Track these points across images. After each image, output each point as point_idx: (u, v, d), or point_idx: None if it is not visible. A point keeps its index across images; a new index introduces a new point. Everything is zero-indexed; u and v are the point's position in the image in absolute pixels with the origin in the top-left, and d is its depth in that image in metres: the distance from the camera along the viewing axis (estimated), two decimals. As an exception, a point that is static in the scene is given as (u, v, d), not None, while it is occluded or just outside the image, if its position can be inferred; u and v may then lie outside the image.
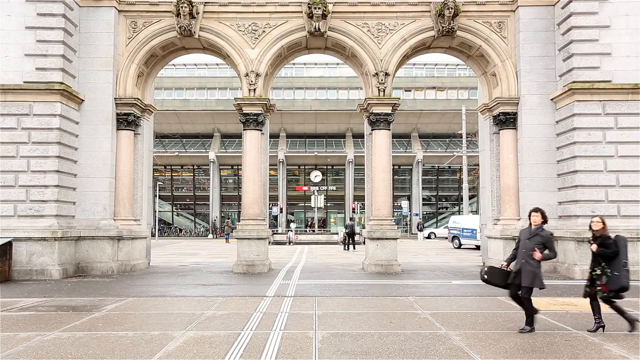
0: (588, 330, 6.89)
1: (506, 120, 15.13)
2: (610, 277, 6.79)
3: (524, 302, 6.91)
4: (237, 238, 15.02)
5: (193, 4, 14.70)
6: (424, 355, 5.85)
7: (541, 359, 5.75)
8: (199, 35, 15.14)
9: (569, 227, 13.45)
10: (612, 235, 6.94)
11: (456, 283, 12.06)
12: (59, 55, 13.66)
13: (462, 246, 28.60)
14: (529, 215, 7.12)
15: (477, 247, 24.94)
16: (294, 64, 44.81)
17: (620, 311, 6.90)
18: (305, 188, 50.14)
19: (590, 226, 7.05)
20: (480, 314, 8.21)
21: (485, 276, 7.18)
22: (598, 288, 6.88)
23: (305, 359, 5.74)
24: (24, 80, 13.49)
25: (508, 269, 7.11)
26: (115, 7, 14.82)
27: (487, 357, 5.77)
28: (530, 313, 6.89)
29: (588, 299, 7.02)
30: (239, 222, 15.49)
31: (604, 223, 6.97)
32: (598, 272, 6.90)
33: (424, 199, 49.48)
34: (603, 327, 6.89)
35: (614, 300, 6.88)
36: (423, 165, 48.44)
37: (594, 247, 6.89)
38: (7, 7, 13.64)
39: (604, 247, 6.83)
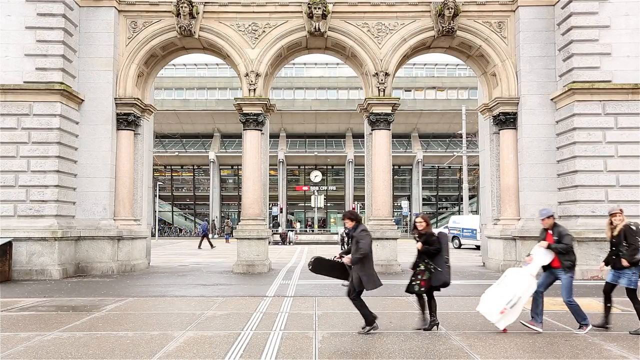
0: (424, 329, 6.94)
1: (506, 120, 15.12)
2: (434, 273, 6.92)
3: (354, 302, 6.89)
4: (237, 238, 15.03)
5: (193, 4, 14.69)
6: (424, 355, 5.85)
7: (541, 359, 5.75)
8: (199, 35, 15.14)
9: (569, 227, 13.40)
10: (436, 232, 7.09)
11: (456, 283, 12.05)
12: (59, 55, 13.66)
13: (462, 246, 28.60)
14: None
15: (477, 247, 24.94)
16: (294, 64, 44.79)
17: (422, 307, 7.00)
18: (305, 188, 50.14)
19: (414, 225, 7.17)
20: (480, 313, 8.21)
21: (311, 267, 7.24)
22: (416, 282, 6.94)
23: (305, 359, 5.74)
24: (24, 80, 13.48)
25: (339, 260, 7.13)
26: (115, 7, 14.82)
27: (487, 357, 5.77)
28: (362, 313, 6.86)
29: (425, 296, 7.07)
30: (239, 222, 15.49)
31: (427, 222, 7.09)
32: (422, 267, 6.99)
33: (424, 199, 49.46)
34: (437, 324, 6.98)
35: (433, 296, 7.02)
36: (423, 165, 48.43)
37: (419, 245, 7.00)
38: (7, 7, 13.64)
39: (429, 245, 6.93)
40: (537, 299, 7.02)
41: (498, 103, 15.16)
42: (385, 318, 7.91)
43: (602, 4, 13.75)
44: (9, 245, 12.82)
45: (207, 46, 15.88)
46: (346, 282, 7.08)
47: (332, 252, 27.47)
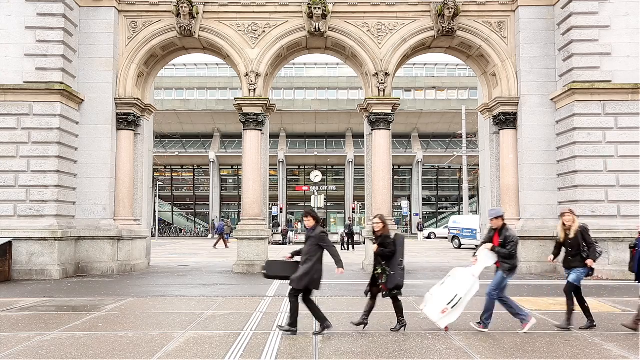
0: (391, 329, 6.93)
1: (506, 120, 15.12)
2: (389, 275, 6.85)
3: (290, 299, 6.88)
4: (237, 238, 15.03)
5: (193, 4, 14.69)
6: (424, 355, 5.85)
7: (541, 359, 5.75)
8: (199, 35, 15.14)
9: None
10: (392, 235, 7.03)
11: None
12: (59, 55, 13.66)
13: (462, 246, 28.59)
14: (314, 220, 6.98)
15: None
16: (294, 64, 44.79)
17: (399, 310, 6.95)
18: (305, 188, 50.13)
19: (373, 228, 7.09)
20: (480, 314, 8.20)
21: (265, 272, 7.16)
22: (380, 287, 6.92)
23: (305, 359, 5.74)
24: (24, 80, 13.48)
25: (293, 260, 7.05)
26: (115, 7, 14.82)
27: (487, 357, 5.77)
28: (292, 313, 6.83)
29: (384, 297, 7.04)
30: (238, 222, 15.49)
31: (384, 223, 7.01)
32: (379, 271, 6.94)
33: (424, 199, 49.46)
34: (365, 324, 6.94)
35: (397, 298, 6.98)
36: (423, 165, 48.42)
37: (375, 247, 6.94)
38: (7, 7, 13.63)
39: (384, 247, 6.87)
40: (490, 302, 7.03)
41: (498, 103, 15.16)
42: (385, 318, 7.90)
43: (602, 4, 13.75)
44: (9, 245, 12.81)
45: (207, 46, 15.87)
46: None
47: (332, 252, 26.88)
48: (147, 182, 16.43)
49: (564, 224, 7.30)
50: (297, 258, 7.00)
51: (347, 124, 49.31)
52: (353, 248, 26.31)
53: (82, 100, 14.52)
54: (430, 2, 15.01)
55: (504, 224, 7.13)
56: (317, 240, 6.78)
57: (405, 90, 48.39)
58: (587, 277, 7.22)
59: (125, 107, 14.96)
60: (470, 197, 44.67)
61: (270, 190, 17.36)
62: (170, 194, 51.11)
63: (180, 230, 50.45)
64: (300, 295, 6.81)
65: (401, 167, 50.10)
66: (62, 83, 13.57)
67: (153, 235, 37.14)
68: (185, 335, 6.77)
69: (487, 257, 7.04)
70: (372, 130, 15.47)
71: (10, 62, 13.52)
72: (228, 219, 46.64)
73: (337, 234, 37.47)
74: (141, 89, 15.92)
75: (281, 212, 46.19)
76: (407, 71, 47.88)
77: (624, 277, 12.49)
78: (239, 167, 44.63)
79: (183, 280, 13.04)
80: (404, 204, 46.61)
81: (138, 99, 15.30)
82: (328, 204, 50.69)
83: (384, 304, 9.01)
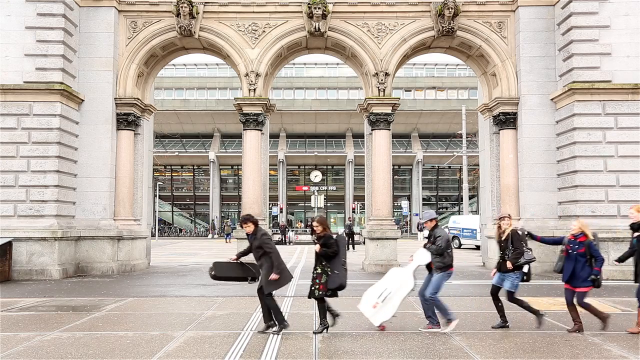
0: (314, 332, 6.89)
1: (506, 120, 15.12)
2: (331, 275, 6.85)
3: (265, 300, 6.92)
4: (237, 238, 15.02)
5: (193, 4, 14.69)
6: (424, 355, 5.85)
7: (541, 359, 5.75)
8: (199, 35, 15.14)
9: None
10: (334, 235, 7.06)
11: (456, 283, 12.05)
12: (59, 55, 13.66)
13: (462, 246, 28.58)
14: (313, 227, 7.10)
15: (477, 247, 24.93)
16: (294, 64, 44.75)
17: (323, 310, 6.92)
18: (305, 188, 50.12)
19: (313, 230, 7.10)
20: (480, 314, 8.21)
21: (213, 272, 7.18)
22: (315, 287, 6.86)
23: (305, 359, 5.74)
24: (24, 80, 13.48)
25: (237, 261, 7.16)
26: (115, 7, 14.82)
27: (487, 357, 5.77)
28: (274, 312, 6.90)
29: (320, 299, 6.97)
30: (239, 222, 15.48)
31: (323, 225, 7.02)
32: (319, 270, 6.92)
33: (424, 199, 49.43)
34: (327, 327, 6.90)
35: (325, 299, 6.95)
36: (423, 165, 48.40)
37: (317, 247, 6.93)
38: (7, 7, 13.63)
39: (327, 247, 6.87)
40: (439, 304, 7.03)
41: (498, 103, 15.16)
42: (385, 318, 7.91)
43: (602, 4, 13.75)
44: (9, 245, 12.81)
45: (207, 46, 15.87)
46: (252, 281, 7.12)
47: (332, 252, 26.80)
48: (147, 182, 16.43)
49: (499, 227, 7.44)
50: (244, 259, 7.13)
51: (347, 124, 49.29)
52: (353, 248, 26.31)
53: (82, 100, 14.52)
54: (430, 2, 15.01)
55: (436, 225, 7.25)
56: (261, 244, 6.83)
57: (405, 90, 48.37)
58: (522, 281, 7.29)
59: (125, 107, 14.96)
60: (470, 197, 44.66)
61: (270, 190, 17.36)
62: (170, 194, 51.09)
63: (180, 230, 50.44)
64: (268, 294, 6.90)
65: (401, 167, 50.09)
66: (62, 83, 13.57)
67: (153, 235, 37.15)
68: (185, 335, 6.77)
69: (422, 256, 7.13)
70: (372, 130, 15.48)
71: (10, 62, 13.52)
72: (228, 218, 46.66)
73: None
74: (141, 89, 15.92)
75: (281, 212, 46.18)
76: (407, 71, 47.86)
77: (624, 277, 12.49)
78: (239, 167, 44.61)
79: (183, 280, 13.03)
80: (404, 204, 46.60)
81: (138, 99, 15.29)
82: (328, 204, 50.68)
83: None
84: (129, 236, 14.68)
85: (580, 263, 6.93)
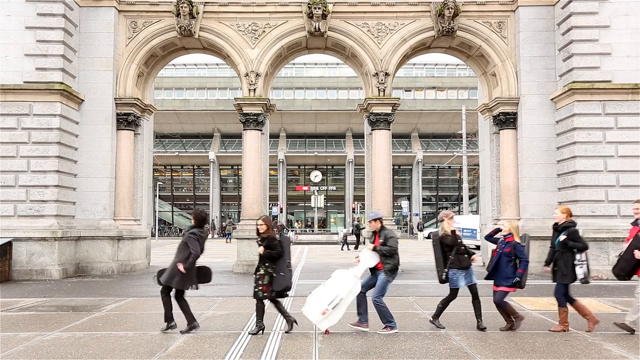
0: (286, 331, 6.91)
1: (506, 120, 15.12)
2: (276, 277, 6.79)
3: (177, 301, 7.01)
4: (237, 238, 15.03)
5: (193, 4, 14.69)
6: (424, 355, 5.85)
7: (541, 359, 5.75)
8: (199, 35, 15.14)
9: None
10: (278, 236, 7.02)
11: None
12: (59, 55, 13.66)
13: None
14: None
15: (477, 247, 24.89)
16: (294, 64, 44.77)
17: (261, 312, 6.89)
18: (305, 188, 50.14)
19: (257, 229, 7.05)
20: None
21: (157, 279, 7.20)
22: (258, 288, 6.82)
23: (305, 359, 5.74)
24: (24, 80, 13.48)
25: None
26: (115, 7, 14.82)
27: (487, 357, 5.77)
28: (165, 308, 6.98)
29: (269, 301, 6.96)
30: (238, 222, 15.48)
31: (268, 225, 6.96)
32: (261, 272, 6.86)
33: (424, 199, 49.44)
34: (263, 329, 6.85)
35: (277, 300, 6.96)
36: (423, 165, 48.41)
37: (261, 249, 6.88)
38: (7, 7, 13.63)
39: (271, 249, 6.82)
40: (360, 299, 7.00)
41: (498, 103, 15.16)
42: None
43: (602, 4, 13.74)
44: (9, 245, 12.81)
45: (207, 46, 15.87)
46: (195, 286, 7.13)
47: (331, 252, 27.20)
48: (147, 182, 16.43)
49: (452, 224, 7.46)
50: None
51: (347, 124, 49.31)
52: (356, 248, 26.28)
53: (82, 100, 14.52)
54: (430, 2, 15.01)
55: (382, 226, 7.20)
56: (185, 240, 7.03)
57: (405, 90, 48.38)
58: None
59: (125, 107, 14.96)
60: (470, 197, 44.66)
61: (270, 190, 17.36)
62: (170, 194, 51.11)
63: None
64: (173, 293, 7.01)
65: (401, 167, 50.09)
66: (62, 83, 13.57)
67: (153, 235, 37.18)
68: (185, 335, 6.77)
69: (369, 258, 7.05)
70: (372, 130, 15.47)
71: (10, 62, 13.52)
72: (230, 218, 46.60)
73: (337, 234, 37.46)
74: (141, 89, 15.92)
75: (281, 212, 46.20)
76: (407, 71, 47.87)
77: (624, 277, 12.48)
78: (239, 167, 44.61)
79: (183, 280, 13.00)
80: (404, 204, 46.60)
81: (138, 99, 15.29)
82: (328, 204, 50.71)
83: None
84: (129, 236, 14.68)
85: (503, 262, 6.99)
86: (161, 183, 47.20)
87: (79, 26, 14.59)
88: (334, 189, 50.90)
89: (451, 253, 7.13)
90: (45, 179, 13.31)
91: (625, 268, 6.93)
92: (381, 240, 7.01)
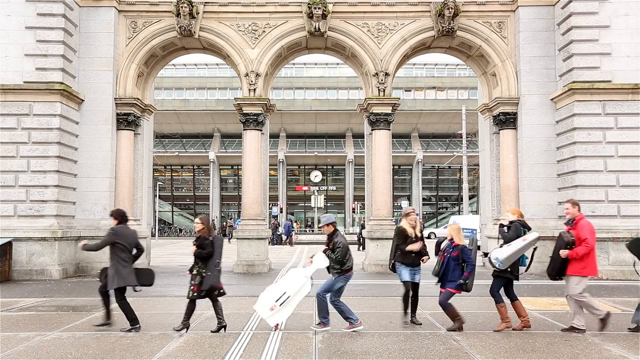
0: (212, 331, 6.96)
1: (506, 120, 15.12)
2: (205, 277, 6.86)
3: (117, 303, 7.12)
4: (237, 238, 15.04)
5: (193, 4, 14.69)
6: (424, 355, 5.85)
7: (541, 359, 5.75)
8: (199, 35, 15.14)
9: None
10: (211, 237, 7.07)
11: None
12: (59, 55, 13.66)
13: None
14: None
15: (477, 247, 24.87)
16: (294, 64, 44.75)
17: (189, 311, 6.97)
18: (305, 188, 50.12)
19: (195, 227, 7.15)
20: (480, 314, 8.22)
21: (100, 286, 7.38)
22: (190, 289, 6.90)
23: (305, 359, 5.74)
24: (24, 80, 13.48)
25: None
26: (115, 7, 14.82)
27: (487, 357, 5.78)
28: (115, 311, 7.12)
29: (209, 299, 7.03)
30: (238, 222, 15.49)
31: (204, 224, 7.03)
32: (194, 272, 6.95)
33: (424, 199, 49.42)
34: (225, 327, 6.96)
35: (216, 300, 7.01)
36: (423, 165, 48.40)
37: (193, 248, 6.96)
38: (7, 7, 13.63)
39: (202, 248, 6.87)
40: (322, 302, 7.06)
41: (498, 103, 15.16)
42: (385, 318, 7.92)
43: (602, 4, 13.74)
44: (9, 245, 12.82)
45: (207, 46, 15.87)
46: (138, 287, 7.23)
47: (332, 252, 26.67)
48: (147, 182, 16.42)
49: (409, 222, 7.60)
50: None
51: (347, 124, 49.30)
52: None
53: (82, 100, 14.52)
54: (430, 2, 15.01)
55: (335, 230, 7.21)
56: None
57: (405, 90, 48.37)
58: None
59: (125, 107, 14.96)
60: (470, 197, 44.65)
61: (270, 190, 17.36)
62: (170, 194, 51.09)
63: (180, 230, 50.44)
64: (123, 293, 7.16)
65: (401, 167, 50.08)
66: (62, 83, 13.57)
67: (153, 235, 37.16)
68: (185, 336, 6.77)
69: (321, 260, 7.13)
70: (372, 130, 15.47)
71: (10, 62, 13.52)
72: (231, 219, 46.53)
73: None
74: (141, 89, 15.92)
75: (281, 212, 46.19)
76: (407, 71, 47.86)
77: (624, 277, 12.51)
78: (239, 167, 44.60)
79: (183, 280, 12.94)
80: (404, 204, 46.50)
81: (138, 99, 15.30)
82: (328, 204, 50.67)
83: (384, 303, 8.98)
84: (129, 236, 14.65)
85: (451, 266, 7.08)
86: (161, 183, 47.19)
87: (79, 26, 14.59)
88: (334, 189, 50.89)
89: (402, 247, 7.40)
90: (45, 179, 13.31)
91: (555, 267, 7.08)
92: (331, 246, 7.10)
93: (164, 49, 15.80)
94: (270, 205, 37.71)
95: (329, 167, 51.95)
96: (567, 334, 6.84)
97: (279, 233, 33.46)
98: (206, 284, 6.85)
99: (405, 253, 7.43)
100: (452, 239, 7.21)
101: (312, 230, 48.35)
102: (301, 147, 50.53)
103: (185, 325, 6.93)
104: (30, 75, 13.50)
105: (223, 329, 6.97)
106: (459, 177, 48.68)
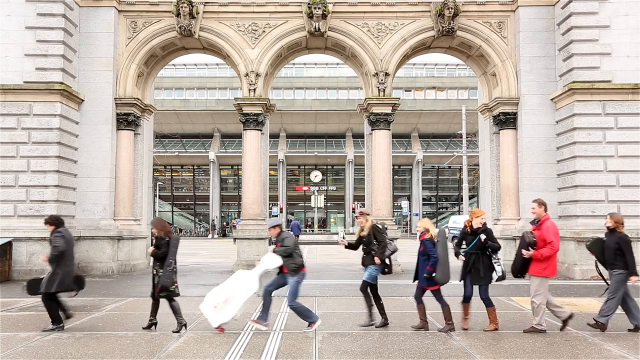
0: (173, 331, 6.97)
1: (506, 120, 15.12)
2: (161, 277, 6.96)
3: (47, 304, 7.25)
4: (237, 238, 15.04)
5: (193, 4, 14.69)
6: (424, 355, 5.85)
7: (541, 359, 5.75)
8: (199, 35, 15.14)
9: (569, 227, 13.45)
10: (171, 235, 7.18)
11: (456, 283, 12.04)
12: (59, 55, 13.65)
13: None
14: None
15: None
16: (294, 64, 44.74)
17: (155, 309, 7.11)
18: (305, 188, 50.12)
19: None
20: (480, 314, 8.20)
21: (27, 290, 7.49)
22: (153, 288, 7.07)
23: (305, 359, 5.74)
24: (24, 80, 13.48)
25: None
26: (115, 7, 14.82)
27: (487, 357, 5.78)
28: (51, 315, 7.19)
29: (168, 300, 7.10)
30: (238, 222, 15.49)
31: (156, 227, 7.17)
32: (154, 272, 7.07)
33: (424, 199, 49.43)
34: (155, 324, 7.08)
35: (172, 299, 7.07)
36: (423, 165, 48.40)
37: (151, 249, 7.10)
38: (7, 7, 13.63)
39: (158, 248, 6.99)
40: (266, 297, 7.14)
41: (498, 103, 15.16)
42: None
43: (602, 4, 13.74)
44: (9, 245, 12.82)
45: (207, 46, 15.87)
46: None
47: (331, 252, 27.14)
48: (147, 182, 16.42)
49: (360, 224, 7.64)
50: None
51: (347, 124, 49.30)
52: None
53: (82, 100, 14.52)
54: (430, 2, 15.01)
55: (281, 231, 7.28)
56: (51, 239, 7.27)
57: (405, 90, 48.36)
58: (383, 274, 7.52)
59: (125, 107, 14.96)
60: (470, 197, 44.64)
61: (270, 190, 17.37)
62: (170, 194, 51.09)
63: (180, 230, 50.43)
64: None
65: (401, 167, 50.08)
66: (62, 83, 13.57)
67: (153, 235, 37.06)
68: (185, 336, 6.77)
69: (270, 260, 7.17)
70: (372, 130, 15.48)
71: (10, 62, 13.51)
72: (234, 219, 46.54)
73: (337, 234, 37.40)
74: (141, 89, 15.92)
75: (281, 212, 46.18)
76: (407, 71, 47.84)
77: (624, 277, 12.47)
78: (239, 167, 44.60)
79: (183, 280, 12.98)
80: (404, 204, 46.55)
81: (138, 99, 15.29)
82: (328, 204, 50.69)
83: (384, 304, 8.96)
84: (129, 236, 14.68)
85: (421, 261, 7.19)
86: (161, 183, 47.20)
87: (79, 26, 14.58)
88: (334, 189, 50.88)
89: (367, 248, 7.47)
90: (45, 179, 13.31)
91: (517, 266, 7.22)
92: (280, 244, 7.17)
93: (164, 49, 15.80)
94: (270, 205, 37.73)
95: (329, 167, 51.94)
96: (568, 334, 6.84)
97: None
98: (160, 284, 6.96)
99: (364, 256, 7.61)
100: (422, 233, 7.26)
101: (312, 230, 48.34)
102: (301, 147, 50.52)
103: (153, 322, 7.10)
104: (30, 75, 13.50)
105: (184, 327, 7.00)
106: (459, 177, 48.69)
